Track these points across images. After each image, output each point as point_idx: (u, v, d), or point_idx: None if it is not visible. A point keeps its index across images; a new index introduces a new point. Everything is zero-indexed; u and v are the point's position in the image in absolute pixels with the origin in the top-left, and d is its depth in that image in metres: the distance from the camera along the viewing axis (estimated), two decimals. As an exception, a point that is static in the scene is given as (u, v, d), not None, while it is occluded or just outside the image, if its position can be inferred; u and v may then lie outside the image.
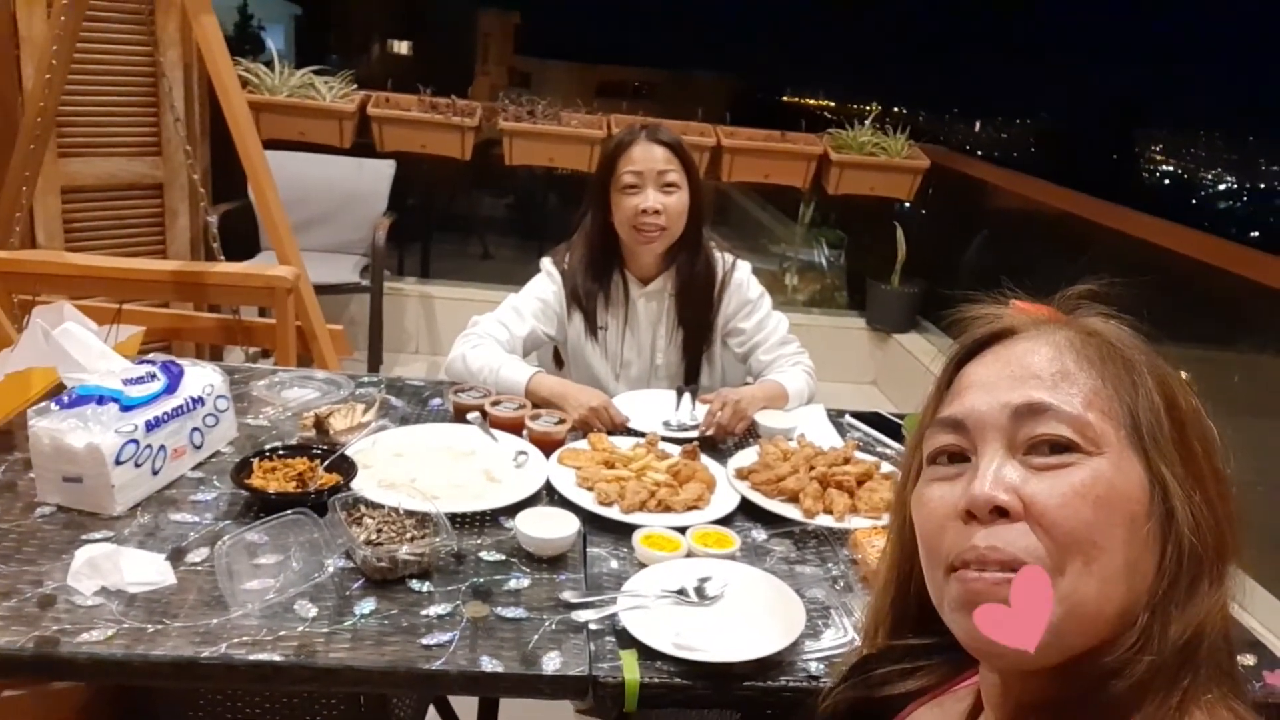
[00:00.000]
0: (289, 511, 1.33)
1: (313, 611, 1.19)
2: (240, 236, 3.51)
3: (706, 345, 2.10)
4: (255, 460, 1.46)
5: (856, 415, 2.00)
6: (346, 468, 1.48)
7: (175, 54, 3.26)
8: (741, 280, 2.08)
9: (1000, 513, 0.62)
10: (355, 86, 4.13)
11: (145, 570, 1.21)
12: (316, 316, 2.53)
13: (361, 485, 1.45)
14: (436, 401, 1.88)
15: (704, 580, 1.32)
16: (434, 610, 1.22)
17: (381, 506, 1.38)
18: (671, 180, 1.93)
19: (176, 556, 1.27)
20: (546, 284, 2.06)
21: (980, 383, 0.69)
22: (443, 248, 4.84)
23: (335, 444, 1.55)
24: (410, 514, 1.37)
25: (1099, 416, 0.64)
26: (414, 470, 1.50)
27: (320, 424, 1.58)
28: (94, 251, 3.24)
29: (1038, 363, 0.67)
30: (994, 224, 4.58)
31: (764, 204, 5.43)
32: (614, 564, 1.38)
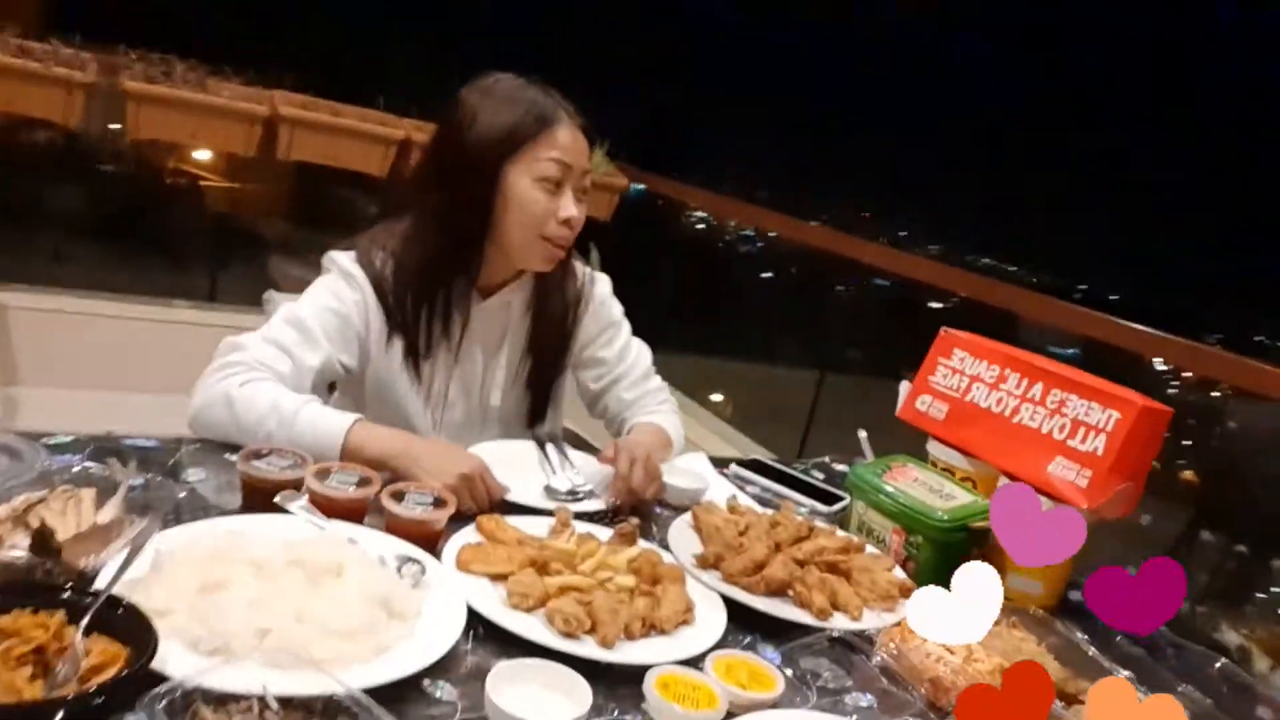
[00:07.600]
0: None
1: None
2: None
3: (556, 379, 1.59)
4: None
5: (740, 464, 1.63)
6: (127, 624, 0.78)
7: None
8: (603, 297, 1.60)
9: None
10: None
11: None
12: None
13: (169, 657, 0.77)
14: (197, 474, 1.17)
15: (795, 755, 0.86)
16: None
17: (239, 699, 0.72)
18: (588, 184, 1.44)
19: None
20: (344, 291, 1.40)
21: None
22: (13, 240, 3.62)
23: (78, 572, 0.83)
24: (290, 703, 0.73)
25: None
26: (255, 614, 0.83)
27: (45, 536, 0.84)
28: None
29: None
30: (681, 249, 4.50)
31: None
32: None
